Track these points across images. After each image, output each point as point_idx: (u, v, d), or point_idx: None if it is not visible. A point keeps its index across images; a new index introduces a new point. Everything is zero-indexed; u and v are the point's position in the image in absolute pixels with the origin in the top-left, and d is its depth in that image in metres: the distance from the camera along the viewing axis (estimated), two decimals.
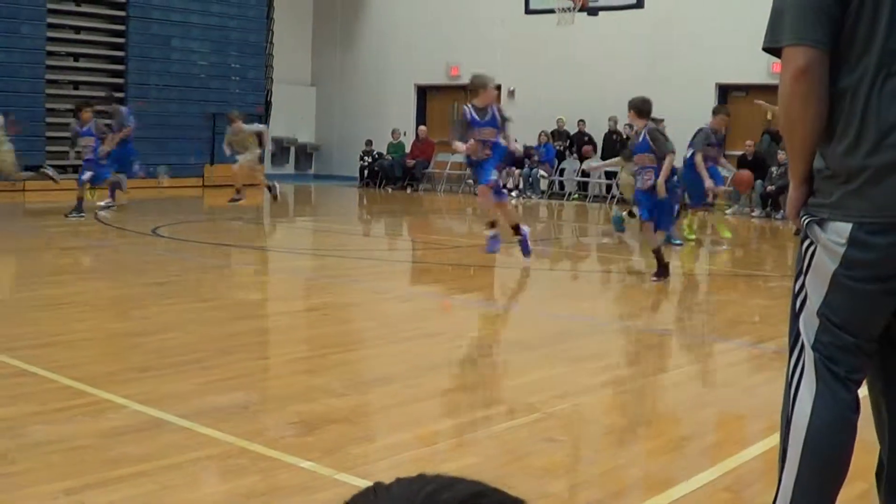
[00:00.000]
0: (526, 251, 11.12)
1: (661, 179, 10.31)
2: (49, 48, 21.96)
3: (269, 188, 18.31)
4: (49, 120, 21.97)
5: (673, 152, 10.45)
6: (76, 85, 23.01)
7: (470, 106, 10.89)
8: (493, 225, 11.39)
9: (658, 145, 10.35)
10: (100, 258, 11.92)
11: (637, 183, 10.75)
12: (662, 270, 10.30)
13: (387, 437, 4.83)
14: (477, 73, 11.35)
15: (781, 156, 19.99)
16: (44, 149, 21.82)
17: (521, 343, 7.25)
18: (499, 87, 25.78)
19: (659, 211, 10.48)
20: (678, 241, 13.34)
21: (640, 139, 10.48)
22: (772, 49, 2.93)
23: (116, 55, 23.46)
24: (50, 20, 21.93)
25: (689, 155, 13.71)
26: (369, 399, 5.58)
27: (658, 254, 10.29)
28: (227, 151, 18.60)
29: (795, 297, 3.07)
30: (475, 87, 10.98)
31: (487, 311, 9.02)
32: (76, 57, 23.03)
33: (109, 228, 15.03)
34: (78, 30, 22.92)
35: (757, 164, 19.67)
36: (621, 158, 15.40)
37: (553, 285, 10.93)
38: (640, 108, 10.34)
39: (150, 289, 9.24)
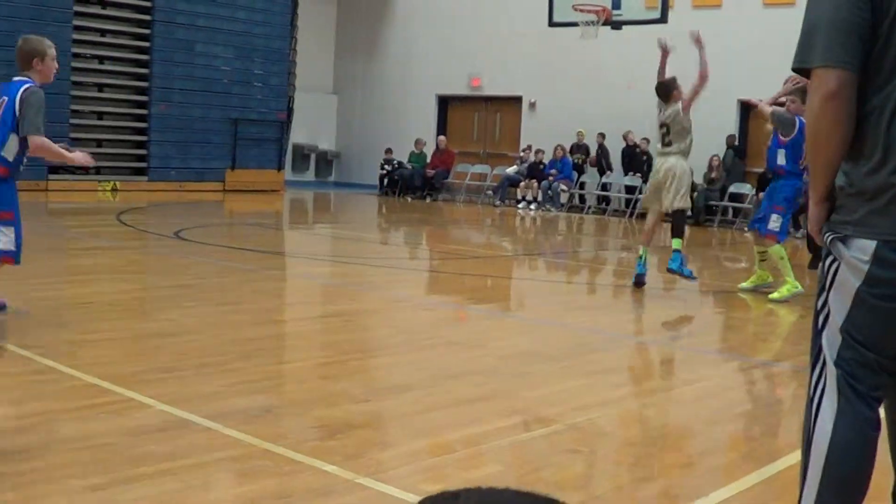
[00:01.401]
0: None
1: None
2: (74, 50, 22.10)
3: None
4: (73, 121, 22.10)
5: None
6: (101, 87, 23.17)
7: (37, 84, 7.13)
8: None
9: None
10: (123, 260, 12.00)
11: None
12: None
13: (407, 443, 4.88)
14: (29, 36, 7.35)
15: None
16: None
17: (540, 354, 7.30)
18: (520, 99, 26.14)
19: None
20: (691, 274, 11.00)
21: None
22: (801, 69, 2.96)
23: (141, 58, 23.62)
24: (76, 22, 22.09)
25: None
26: (389, 405, 5.64)
27: None
28: None
29: (818, 313, 3.10)
30: (26, 55, 7.12)
31: (506, 322, 9.07)
32: (101, 59, 23.20)
33: (132, 230, 15.13)
34: (103, 33, 23.07)
35: None
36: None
37: (572, 298, 10.96)
38: None
39: (172, 291, 9.32)
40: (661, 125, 10.81)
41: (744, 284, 11.13)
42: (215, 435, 4.70)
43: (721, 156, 21.90)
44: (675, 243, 10.74)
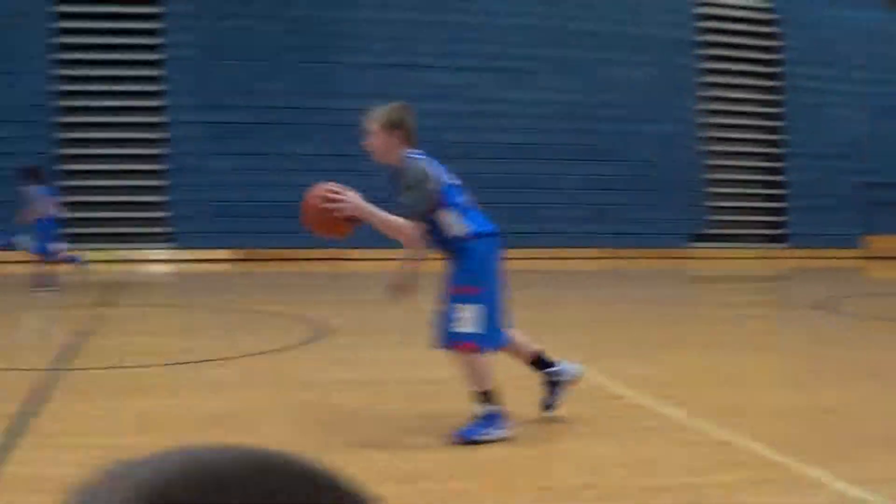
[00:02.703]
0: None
1: None
2: (710, 120, 22.91)
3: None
4: (710, 189, 22.85)
5: None
6: (733, 155, 23.60)
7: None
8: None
9: None
10: (759, 330, 11.90)
11: None
12: None
13: None
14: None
15: None
16: (705, 217, 22.66)
17: None
18: None
19: None
20: None
21: None
22: None
23: (772, 125, 23.86)
24: (708, 93, 22.89)
25: None
26: None
27: None
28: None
29: None
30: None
31: None
32: (732, 128, 23.66)
33: (761, 300, 14.99)
34: (735, 101, 23.59)
35: None
36: None
37: None
38: None
39: (831, 364, 8.90)
40: None
41: None
42: None
43: None
44: None
